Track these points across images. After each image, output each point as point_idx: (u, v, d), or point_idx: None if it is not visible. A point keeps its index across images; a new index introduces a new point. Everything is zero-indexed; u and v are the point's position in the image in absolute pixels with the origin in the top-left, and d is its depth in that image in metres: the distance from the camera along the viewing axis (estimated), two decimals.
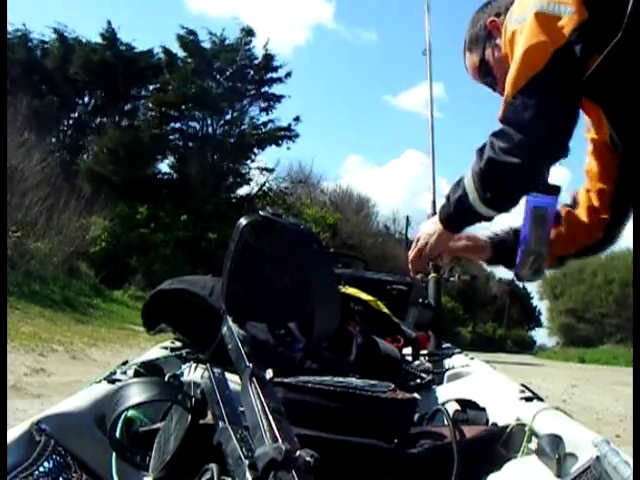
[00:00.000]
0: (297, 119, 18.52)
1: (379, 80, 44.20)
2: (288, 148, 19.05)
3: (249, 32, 18.36)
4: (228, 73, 18.03)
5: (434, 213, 1.93)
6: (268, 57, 18.39)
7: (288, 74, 18.57)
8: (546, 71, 1.03)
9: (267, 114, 18.66)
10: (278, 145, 18.67)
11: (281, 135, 18.50)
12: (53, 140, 16.55)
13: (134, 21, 35.85)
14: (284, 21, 35.04)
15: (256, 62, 18.33)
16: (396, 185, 42.46)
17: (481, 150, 1.10)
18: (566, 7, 1.04)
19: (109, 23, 17.86)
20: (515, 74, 1.06)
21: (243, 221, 0.80)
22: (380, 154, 46.27)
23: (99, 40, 17.72)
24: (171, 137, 18.61)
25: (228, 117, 18.51)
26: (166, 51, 18.12)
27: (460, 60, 1.84)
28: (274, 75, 18.53)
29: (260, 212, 0.81)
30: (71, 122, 18.54)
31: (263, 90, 18.60)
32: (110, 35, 17.75)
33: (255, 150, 18.70)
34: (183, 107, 17.79)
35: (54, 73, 17.08)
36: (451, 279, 1.84)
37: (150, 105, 18.05)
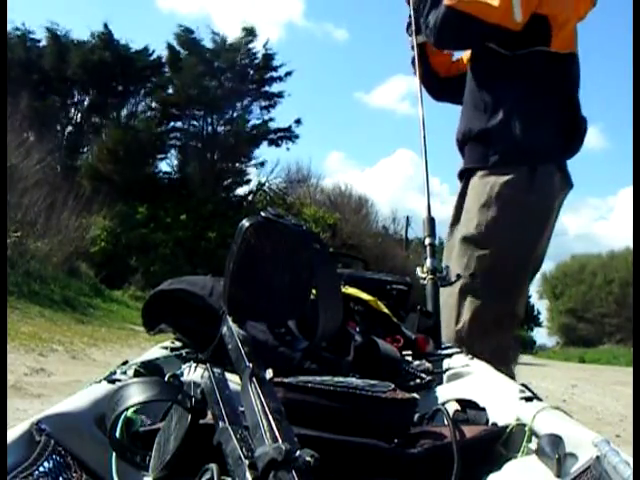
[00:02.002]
0: (298, 121, 18.53)
1: (351, 77, 44.66)
2: (288, 149, 19.08)
3: (250, 31, 18.36)
4: (229, 73, 18.01)
5: (430, 218, 1.94)
6: (268, 57, 18.38)
7: (288, 73, 18.56)
8: None
9: (268, 112, 18.68)
10: (278, 145, 18.69)
11: (281, 136, 18.50)
12: (52, 140, 16.55)
13: (103, 20, 35.56)
14: (255, 19, 34.88)
15: (256, 62, 18.32)
16: (389, 184, 42.73)
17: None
18: None
19: (105, 24, 17.87)
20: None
21: (246, 223, 0.79)
22: (363, 152, 46.75)
23: (90, 39, 17.72)
24: (171, 136, 18.60)
25: (228, 116, 18.50)
26: (170, 48, 18.11)
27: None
28: (274, 74, 18.54)
29: (262, 213, 0.81)
30: (70, 121, 18.53)
31: (263, 89, 18.59)
32: (107, 34, 17.75)
33: (255, 150, 18.72)
34: (182, 106, 17.78)
35: (53, 73, 17.07)
36: (451, 280, 1.83)
37: (151, 104, 18.04)
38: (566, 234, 48.03)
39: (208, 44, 18.14)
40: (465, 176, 2.08)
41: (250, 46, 18.26)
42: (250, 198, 18.44)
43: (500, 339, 1.92)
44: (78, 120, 18.53)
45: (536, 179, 1.88)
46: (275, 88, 18.63)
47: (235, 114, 18.50)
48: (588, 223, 59.52)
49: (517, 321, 2.01)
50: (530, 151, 1.90)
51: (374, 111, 45.18)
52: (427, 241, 1.89)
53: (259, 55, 18.31)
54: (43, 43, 17.57)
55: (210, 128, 18.41)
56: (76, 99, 18.42)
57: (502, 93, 1.93)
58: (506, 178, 1.89)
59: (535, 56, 1.90)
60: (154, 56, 18.38)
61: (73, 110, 18.57)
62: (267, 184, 19.08)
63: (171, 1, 38.89)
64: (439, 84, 2.27)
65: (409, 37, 2.28)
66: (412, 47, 2.27)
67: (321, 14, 46.85)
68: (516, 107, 1.90)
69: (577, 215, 59.56)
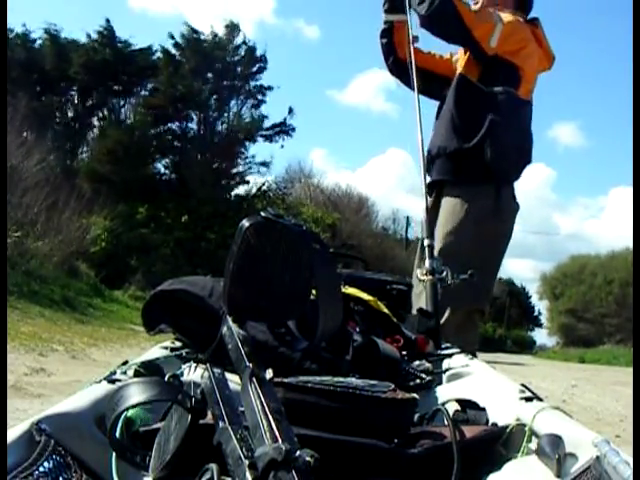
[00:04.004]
0: (291, 111, 18.47)
1: (323, 75, 44.91)
2: (282, 146, 19.04)
3: (234, 28, 18.34)
4: (220, 71, 17.97)
5: (428, 220, 1.98)
6: (250, 50, 18.34)
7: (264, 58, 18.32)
8: None
9: (257, 108, 18.65)
10: (275, 141, 18.67)
11: (277, 130, 18.46)
12: (52, 140, 16.53)
13: (78, 19, 35.45)
14: (228, 18, 34.76)
15: (241, 57, 18.28)
16: (382, 184, 42.89)
17: None
18: None
19: (107, 21, 17.84)
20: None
21: (245, 223, 0.79)
22: (347, 149, 47.07)
23: (88, 38, 17.69)
24: (170, 137, 18.56)
25: (223, 116, 18.48)
26: (164, 51, 18.08)
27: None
28: (260, 65, 18.49)
29: (262, 213, 0.81)
30: (70, 122, 18.51)
31: (252, 85, 18.57)
32: (108, 34, 17.72)
33: (251, 148, 18.67)
34: (179, 106, 17.74)
35: (53, 73, 17.05)
36: (450, 281, 1.83)
37: (147, 105, 18.00)
38: (558, 233, 48.32)
39: (198, 42, 18.09)
40: (436, 188, 2.36)
41: (236, 43, 18.24)
42: (250, 199, 18.41)
43: (474, 334, 2.37)
44: (78, 120, 18.50)
45: (501, 203, 2.28)
46: (264, 80, 18.63)
47: (231, 113, 18.48)
48: (579, 222, 59.62)
49: (483, 318, 2.50)
50: (497, 174, 2.28)
51: (348, 108, 45.62)
52: (426, 242, 1.91)
53: (242, 51, 18.26)
54: (43, 43, 17.56)
55: (204, 128, 18.37)
56: (76, 99, 18.40)
57: (477, 121, 2.26)
58: (477, 201, 2.27)
59: (505, 95, 2.27)
60: (155, 56, 18.33)
61: (73, 110, 18.54)
62: (266, 184, 19.08)
63: (143, 0, 38.78)
64: (394, 61, 2.53)
65: (384, 15, 2.48)
66: (385, 22, 2.50)
67: (292, 11, 47.05)
68: (488, 135, 2.24)
69: (568, 215, 59.65)
